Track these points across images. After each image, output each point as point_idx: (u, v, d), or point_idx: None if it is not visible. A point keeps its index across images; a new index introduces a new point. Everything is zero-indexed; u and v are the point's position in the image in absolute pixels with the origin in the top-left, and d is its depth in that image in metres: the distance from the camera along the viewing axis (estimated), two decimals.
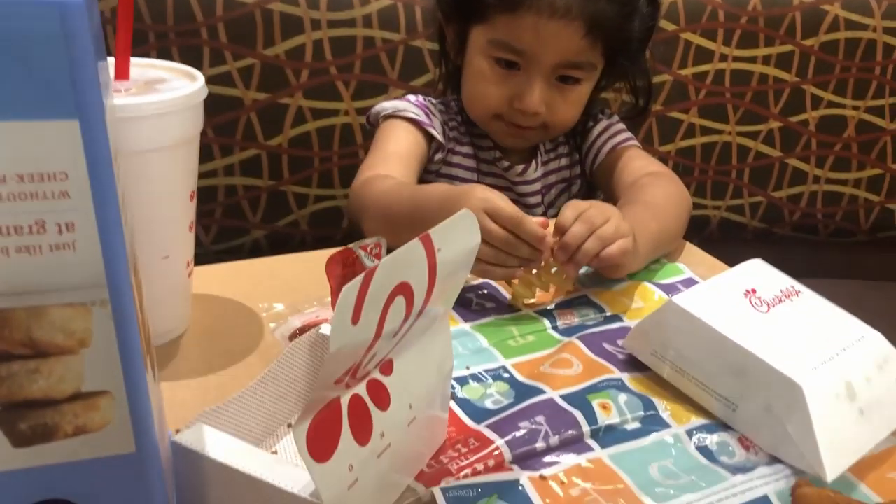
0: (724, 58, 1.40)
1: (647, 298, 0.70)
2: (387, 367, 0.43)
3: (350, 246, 0.55)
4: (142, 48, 1.16)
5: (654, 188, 0.86)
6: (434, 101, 1.02)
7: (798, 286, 0.58)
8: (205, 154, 1.25)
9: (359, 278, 0.36)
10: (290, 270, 0.74)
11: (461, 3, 0.93)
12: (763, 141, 1.47)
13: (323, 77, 1.26)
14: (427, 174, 1.00)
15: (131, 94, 0.54)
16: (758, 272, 0.59)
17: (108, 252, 0.36)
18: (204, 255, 1.33)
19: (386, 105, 0.97)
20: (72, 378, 0.37)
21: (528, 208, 1.03)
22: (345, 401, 0.40)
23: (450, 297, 0.47)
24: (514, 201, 1.03)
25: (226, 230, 1.31)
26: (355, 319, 0.36)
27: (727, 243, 1.63)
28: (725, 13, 1.38)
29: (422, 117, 0.96)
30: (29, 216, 0.34)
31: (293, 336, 0.58)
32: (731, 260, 1.65)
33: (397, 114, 0.96)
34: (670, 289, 0.72)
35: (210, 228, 1.31)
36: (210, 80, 1.21)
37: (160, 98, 0.52)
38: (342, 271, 0.54)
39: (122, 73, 0.55)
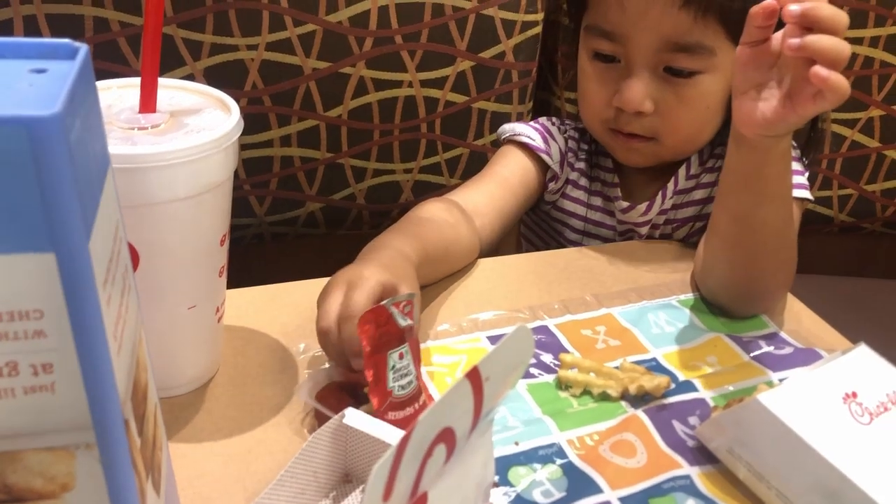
0: None
1: (724, 359, 0.63)
2: (421, 502, 0.38)
3: (383, 303, 0.49)
4: (199, 10, 1.10)
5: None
6: (567, 124, 0.92)
7: None
8: (261, 123, 1.20)
9: (391, 453, 0.29)
10: None
11: None
12: (861, 130, 1.35)
13: (387, 46, 1.18)
14: (545, 204, 0.91)
15: (157, 133, 0.48)
16: (861, 368, 0.51)
17: (93, 393, 0.30)
18: (258, 226, 1.30)
19: (506, 127, 0.90)
20: None
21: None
22: None
23: (497, 405, 0.41)
24: (622, 235, 0.88)
25: (280, 202, 1.26)
26: (387, 496, 0.30)
27: (809, 236, 1.52)
28: None
29: (536, 142, 0.86)
30: None
31: (319, 396, 0.53)
32: (812, 254, 1.54)
33: (513, 137, 0.88)
34: (751, 346, 0.64)
35: (264, 200, 1.26)
36: (269, 47, 1.15)
37: (187, 144, 0.46)
38: (376, 331, 0.49)
39: (148, 104, 0.49)
